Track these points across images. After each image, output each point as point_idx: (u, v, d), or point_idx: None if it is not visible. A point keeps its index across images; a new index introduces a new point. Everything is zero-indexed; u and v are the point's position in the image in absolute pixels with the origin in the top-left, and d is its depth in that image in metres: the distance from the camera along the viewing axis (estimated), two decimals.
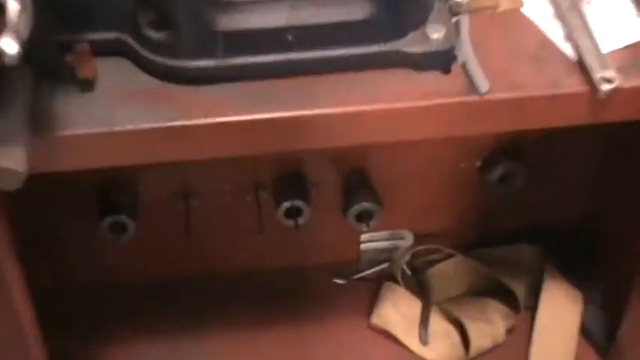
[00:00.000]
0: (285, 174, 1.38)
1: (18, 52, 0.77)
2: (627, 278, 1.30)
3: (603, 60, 1.00)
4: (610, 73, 0.98)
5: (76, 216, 1.37)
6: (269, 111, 0.95)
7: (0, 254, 1.06)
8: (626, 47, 1.04)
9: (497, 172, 1.39)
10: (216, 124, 0.95)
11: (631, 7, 1.09)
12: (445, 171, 1.44)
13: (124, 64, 0.99)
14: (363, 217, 1.38)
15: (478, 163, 1.41)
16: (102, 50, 0.97)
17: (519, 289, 1.48)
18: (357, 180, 1.39)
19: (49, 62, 0.94)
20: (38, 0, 0.84)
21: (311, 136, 0.98)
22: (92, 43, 0.96)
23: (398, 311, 1.49)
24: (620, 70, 0.99)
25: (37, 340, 1.20)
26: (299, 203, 1.36)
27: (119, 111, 0.95)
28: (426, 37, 0.99)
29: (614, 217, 1.46)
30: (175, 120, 0.94)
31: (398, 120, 0.99)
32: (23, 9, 0.77)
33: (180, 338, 1.48)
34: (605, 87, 0.98)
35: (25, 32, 0.78)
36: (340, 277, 1.55)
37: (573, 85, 1.00)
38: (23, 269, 1.13)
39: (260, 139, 0.97)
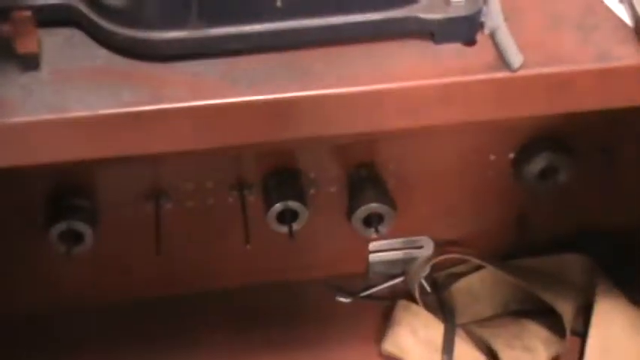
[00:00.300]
0: (277, 170, 1.38)
1: None
2: None
3: None
4: None
5: (20, 223, 1.37)
6: (255, 93, 0.95)
7: None
8: None
9: (537, 165, 1.39)
10: (190, 108, 0.95)
11: None
12: (472, 165, 1.44)
13: (76, 36, 0.99)
14: (372, 221, 1.38)
15: (512, 155, 1.41)
16: (47, 19, 0.97)
17: (565, 309, 1.47)
18: (365, 177, 1.39)
19: None
20: None
21: (306, 122, 0.98)
22: (35, 9, 0.95)
23: (415, 336, 1.49)
24: None
25: None
26: (294, 205, 1.35)
27: (71, 93, 0.94)
28: (447, 1, 0.99)
29: None
30: (141, 104, 0.94)
31: (413, 102, 0.99)
32: None
33: None
34: None
35: None
36: (345, 294, 1.55)
37: (629, 56, 1.00)
38: None
39: (244, 126, 0.97)
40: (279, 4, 0.96)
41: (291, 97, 0.96)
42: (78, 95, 0.94)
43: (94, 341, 1.49)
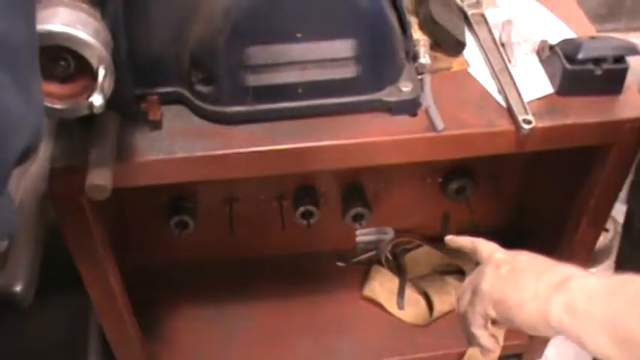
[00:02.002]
0: (301, 187, 1.37)
1: (102, 105, 0.77)
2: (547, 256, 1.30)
3: (525, 107, 1.01)
4: (529, 117, 0.99)
5: (155, 215, 1.37)
6: (285, 143, 0.96)
7: (97, 248, 1.06)
8: (540, 98, 1.05)
9: (454, 185, 1.39)
10: (247, 152, 0.96)
11: (542, 69, 1.09)
12: (417, 184, 1.43)
13: (182, 110, 1.00)
14: (357, 218, 1.37)
15: (440, 179, 1.41)
16: (166, 100, 0.98)
17: (469, 269, 1.47)
18: (353, 191, 1.39)
19: (129, 109, 0.95)
20: (121, 65, 0.85)
21: (316, 160, 0.99)
22: (159, 94, 0.97)
23: (382, 286, 1.48)
24: (536, 114, 1.00)
25: (127, 306, 1.21)
26: (311, 208, 1.35)
27: (178, 143, 0.96)
28: (399, 90, 1.00)
29: (537, 219, 1.45)
30: (218, 150, 0.95)
31: (378, 150, 1.00)
32: (108, 74, 0.78)
33: (226, 303, 1.48)
34: (526, 127, 0.98)
35: (108, 90, 0.79)
36: (341, 261, 1.54)
37: (504, 125, 1.01)
38: (115, 257, 1.13)
39: (279, 162, 0.98)
40: (300, 91, 0.96)
41: (307, 146, 0.97)
42: (182, 144, 0.95)
43: (191, 283, 1.51)
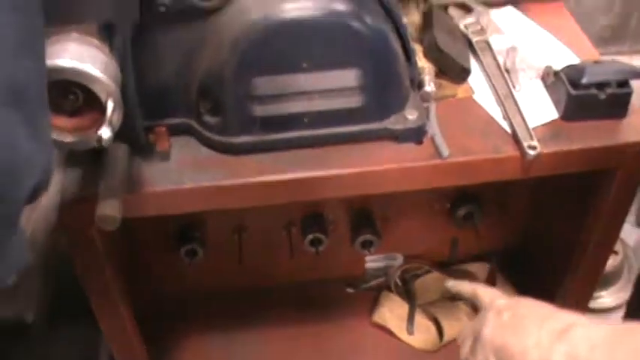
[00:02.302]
0: (309, 214, 1.37)
1: (110, 138, 0.78)
2: (554, 279, 1.32)
3: (529, 133, 1.01)
4: (534, 143, 1.00)
5: (162, 245, 1.38)
6: (292, 172, 0.97)
7: (108, 278, 1.07)
8: (545, 124, 1.05)
9: (462, 211, 1.39)
10: (255, 182, 0.96)
11: (546, 95, 1.10)
12: (425, 210, 1.43)
13: (190, 140, 1.00)
14: (366, 245, 1.37)
15: (448, 205, 1.41)
16: (174, 131, 0.99)
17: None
18: (362, 218, 1.39)
19: (138, 140, 0.96)
20: (129, 98, 0.86)
21: (323, 189, 1.00)
22: (167, 125, 0.98)
23: (392, 312, 1.48)
24: (541, 140, 1.01)
25: (137, 335, 1.21)
26: (319, 235, 1.35)
27: (186, 174, 0.96)
28: (405, 118, 1.00)
29: (545, 243, 1.45)
30: (225, 180, 0.96)
31: (385, 178, 1.00)
32: (117, 107, 0.79)
33: (236, 330, 1.47)
34: (531, 152, 0.99)
35: (117, 123, 0.80)
36: (350, 287, 1.54)
37: (509, 151, 1.01)
38: (125, 286, 1.14)
39: (286, 192, 0.98)
40: (306, 120, 0.97)
41: (314, 175, 0.98)
42: (190, 175, 0.96)
43: (200, 311, 1.51)
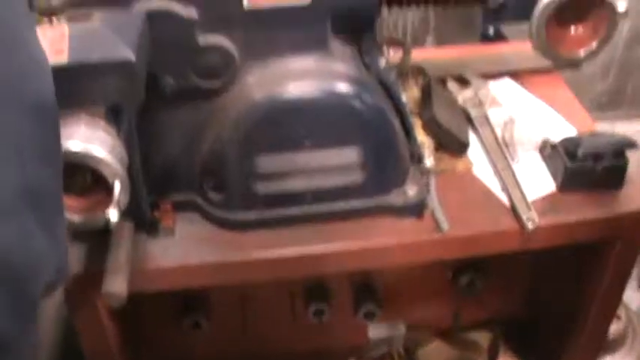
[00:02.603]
0: (312, 285, 1.38)
1: (117, 219, 0.80)
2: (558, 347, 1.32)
3: (528, 205, 1.03)
4: (533, 215, 1.01)
5: (167, 317, 1.38)
6: (294, 248, 0.99)
7: (113, 351, 1.08)
8: (543, 196, 1.07)
9: (464, 280, 1.40)
10: (258, 258, 0.98)
11: (544, 167, 1.11)
12: (427, 280, 1.43)
13: (194, 216, 1.02)
14: (369, 315, 1.37)
15: (450, 275, 1.42)
16: (179, 206, 1.01)
17: None
18: (364, 289, 1.39)
19: (143, 217, 0.97)
20: (135, 177, 0.88)
21: (325, 264, 1.01)
22: (172, 202, 1.00)
23: None
24: (539, 212, 1.02)
25: None
26: (322, 306, 1.35)
27: (190, 250, 0.98)
28: (405, 193, 1.02)
29: (548, 310, 1.46)
30: (229, 256, 0.97)
31: (386, 252, 1.01)
32: (124, 188, 0.81)
33: None
34: (530, 225, 1.00)
35: (124, 204, 0.82)
36: (354, 356, 1.53)
37: (508, 224, 1.03)
38: (131, 356, 1.14)
39: (289, 267, 1.00)
40: (308, 197, 0.99)
41: (315, 251, 0.99)
42: (194, 251, 0.98)
43: None
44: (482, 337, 1.53)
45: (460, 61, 1.30)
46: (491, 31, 1.60)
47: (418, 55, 1.23)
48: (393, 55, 1.15)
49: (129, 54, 0.79)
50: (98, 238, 0.96)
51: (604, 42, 1.03)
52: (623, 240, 1.09)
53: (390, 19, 1.06)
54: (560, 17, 1.01)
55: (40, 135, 0.54)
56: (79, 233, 1.00)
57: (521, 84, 1.29)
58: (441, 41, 1.81)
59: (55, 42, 0.80)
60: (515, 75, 1.30)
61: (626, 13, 0.99)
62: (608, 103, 2.04)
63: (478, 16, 1.61)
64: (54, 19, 0.82)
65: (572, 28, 1.04)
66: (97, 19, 0.84)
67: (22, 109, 0.52)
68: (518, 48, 1.34)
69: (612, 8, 0.98)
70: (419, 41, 1.79)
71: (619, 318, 1.74)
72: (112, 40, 0.80)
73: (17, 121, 0.52)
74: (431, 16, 1.66)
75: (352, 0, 0.92)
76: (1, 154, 0.50)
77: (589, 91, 1.99)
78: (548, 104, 1.25)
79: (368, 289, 1.40)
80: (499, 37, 1.58)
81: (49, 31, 0.81)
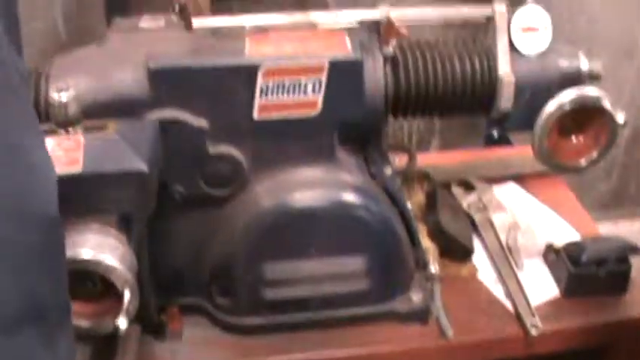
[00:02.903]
0: None
1: (126, 326, 0.81)
2: None
3: (532, 311, 1.04)
4: (536, 321, 1.02)
5: None
6: (300, 353, 0.99)
7: None
8: (546, 302, 1.07)
9: None
10: None
11: (548, 272, 1.12)
12: None
13: (201, 320, 1.02)
14: None
15: None
16: (187, 311, 1.01)
17: None
18: None
19: (150, 320, 0.98)
20: (144, 283, 0.89)
21: None
22: (180, 306, 1.01)
23: None
24: (543, 318, 1.03)
25: None
26: None
27: (197, 353, 0.98)
28: (410, 299, 1.03)
29: None
30: None
31: (391, 358, 1.02)
32: (133, 296, 0.82)
33: None
34: (534, 331, 1.01)
35: (133, 311, 0.82)
36: None
37: (512, 330, 1.03)
38: None
39: None
40: (313, 303, 1.00)
41: (321, 357, 0.99)
42: (202, 355, 0.98)
43: None
44: None
45: (464, 166, 1.31)
46: (495, 134, 1.62)
47: (423, 159, 1.25)
48: (399, 160, 1.17)
49: (142, 165, 0.81)
50: (103, 341, 0.96)
51: (605, 151, 1.05)
52: (626, 345, 1.09)
53: (397, 124, 1.08)
54: (562, 127, 1.03)
55: (41, 247, 0.54)
56: (84, 336, 1.00)
57: (525, 188, 1.31)
58: (445, 144, 1.85)
59: (70, 152, 0.82)
60: (519, 179, 1.32)
61: (625, 124, 1.01)
62: (612, 203, 2.06)
63: (482, 120, 1.63)
64: (70, 129, 0.84)
65: (574, 137, 1.05)
66: (112, 129, 0.86)
67: (21, 222, 0.52)
68: (522, 152, 1.36)
69: (612, 119, 1.01)
70: (424, 143, 1.82)
71: None
72: (126, 150, 0.82)
73: (17, 234, 0.51)
74: (436, 119, 1.69)
75: (359, 112, 0.94)
76: (1, 268, 0.50)
77: (592, 191, 2.02)
78: (551, 208, 1.26)
79: None
80: (503, 139, 1.60)
81: (65, 142, 0.83)
